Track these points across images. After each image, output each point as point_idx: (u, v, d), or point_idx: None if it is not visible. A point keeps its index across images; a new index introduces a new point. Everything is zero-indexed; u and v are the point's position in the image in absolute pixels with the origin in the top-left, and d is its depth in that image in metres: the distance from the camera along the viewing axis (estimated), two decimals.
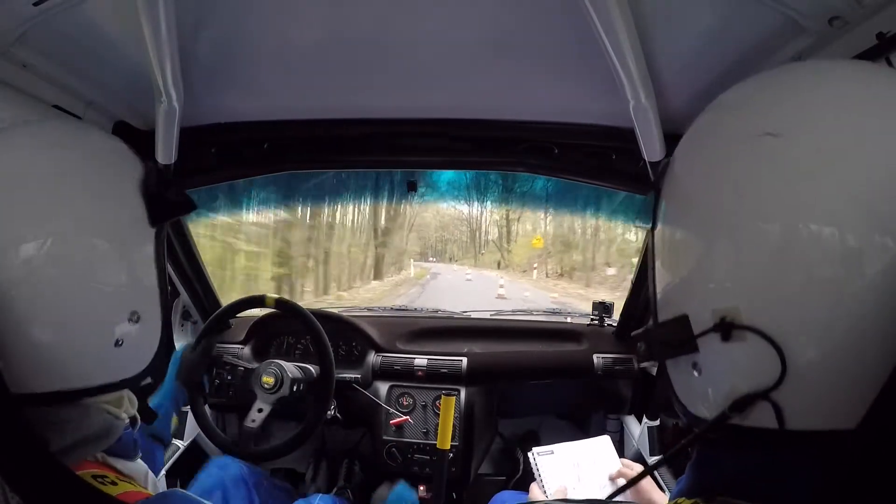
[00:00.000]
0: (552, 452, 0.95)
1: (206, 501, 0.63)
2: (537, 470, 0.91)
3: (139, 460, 0.63)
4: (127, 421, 0.62)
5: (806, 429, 0.38)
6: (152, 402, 1.02)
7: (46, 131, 0.60)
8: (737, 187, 0.40)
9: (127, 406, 0.63)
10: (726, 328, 0.39)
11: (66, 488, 0.48)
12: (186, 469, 1.43)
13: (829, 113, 0.39)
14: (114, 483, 0.54)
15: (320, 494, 1.20)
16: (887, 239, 0.35)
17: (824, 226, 0.36)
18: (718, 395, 0.41)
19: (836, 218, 0.36)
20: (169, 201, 0.63)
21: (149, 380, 0.63)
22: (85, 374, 0.55)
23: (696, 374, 0.44)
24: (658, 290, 0.49)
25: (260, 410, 1.27)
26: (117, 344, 0.56)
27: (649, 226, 0.53)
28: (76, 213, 0.55)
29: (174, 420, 1.04)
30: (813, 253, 0.36)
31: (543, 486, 0.89)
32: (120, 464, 0.59)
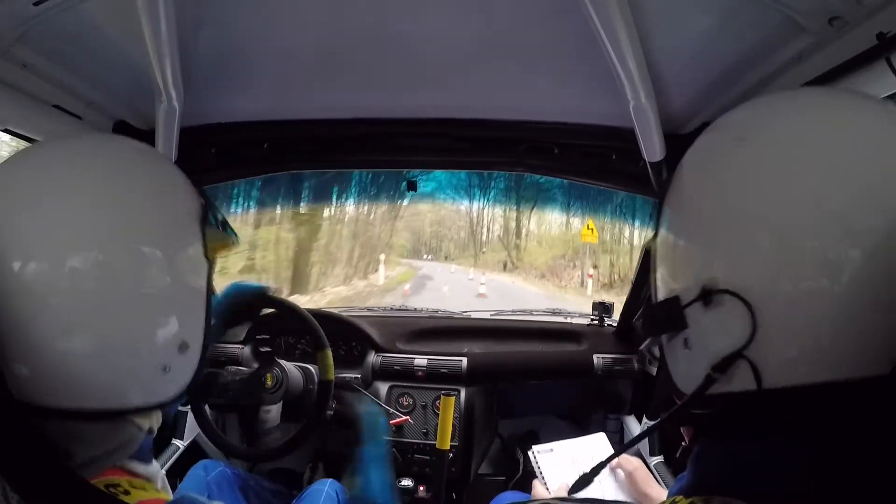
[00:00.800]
0: (552, 450, 0.96)
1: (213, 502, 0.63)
2: (538, 468, 0.92)
3: (154, 462, 0.63)
4: (146, 429, 0.61)
5: (783, 385, 0.41)
6: None
7: (123, 150, 0.60)
8: (716, 183, 0.48)
9: (155, 418, 0.62)
10: (706, 294, 0.45)
11: (80, 500, 0.48)
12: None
13: (786, 124, 0.47)
14: (126, 492, 0.54)
15: (331, 479, 1.20)
16: (840, 213, 0.40)
17: (786, 212, 0.42)
18: (704, 363, 0.45)
19: (795, 206, 0.42)
20: (221, 235, 0.64)
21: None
22: (127, 396, 0.55)
23: (686, 349, 0.48)
24: (657, 281, 0.54)
25: (268, 411, 1.27)
26: (165, 370, 0.57)
27: (652, 225, 0.57)
28: (141, 238, 0.54)
29: None
30: (779, 224, 0.42)
31: (546, 484, 0.90)
32: (140, 467, 0.58)
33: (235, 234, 0.69)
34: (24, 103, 0.87)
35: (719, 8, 0.74)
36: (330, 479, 1.19)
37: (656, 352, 0.57)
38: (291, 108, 1.14)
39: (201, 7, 0.81)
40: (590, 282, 8.42)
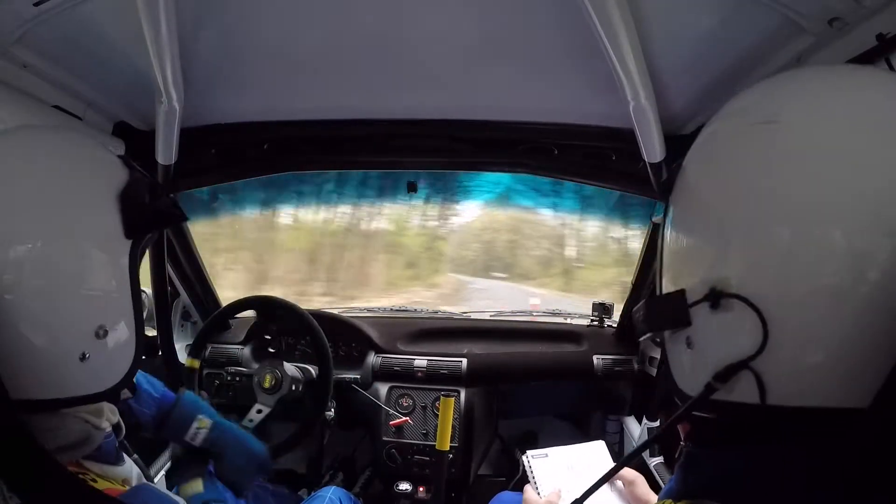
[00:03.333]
0: (546, 455, 0.95)
1: (175, 496, 0.63)
2: (531, 472, 0.91)
3: (126, 464, 0.64)
4: (108, 429, 0.61)
5: (786, 405, 0.39)
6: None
7: (15, 137, 0.59)
8: (736, 171, 0.43)
9: (108, 415, 0.62)
10: (715, 297, 0.41)
11: (59, 482, 0.48)
12: None
13: (824, 103, 0.42)
14: (94, 480, 0.55)
15: (333, 486, 1.20)
16: (877, 214, 0.37)
17: (815, 205, 0.38)
18: (706, 367, 0.42)
19: (827, 199, 0.38)
20: (154, 212, 0.61)
21: (127, 393, 0.62)
22: (52, 386, 0.54)
23: (688, 349, 0.45)
24: (662, 274, 0.51)
25: (259, 411, 1.27)
26: (83, 358, 0.55)
27: (658, 217, 0.54)
28: (35, 221, 0.53)
29: None
30: (802, 228, 0.38)
31: (538, 488, 0.89)
32: (97, 467, 0.58)
33: (180, 213, 0.66)
34: (24, 104, 0.87)
35: (719, 9, 0.74)
36: (333, 487, 1.18)
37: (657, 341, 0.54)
38: (292, 108, 1.14)
39: (201, 8, 0.80)
40: None
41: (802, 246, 0.38)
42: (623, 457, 0.98)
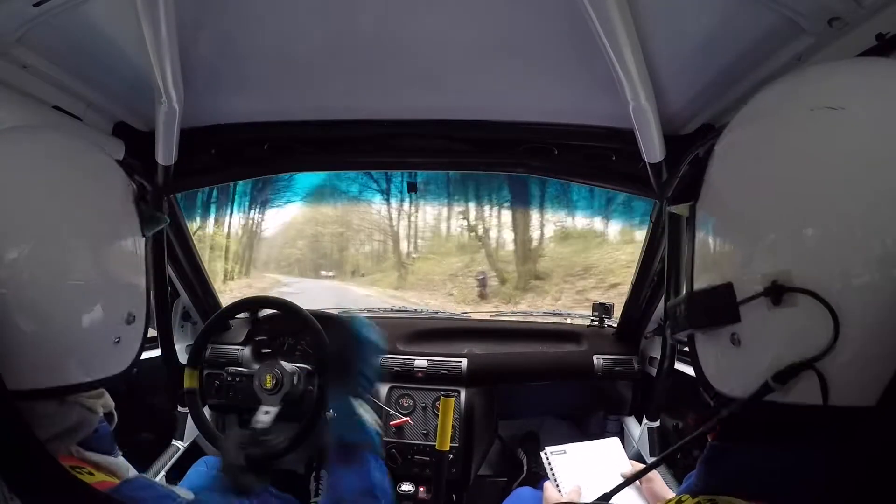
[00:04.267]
0: (565, 452, 0.96)
1: (170, 487, 0.65)
2: (551, 469, 0.92)
3: (121, 457, 0.65)
4: (101, 415, 0.64)
5: (850, 405, 0.36)
6: None
7: (51, 138, 0.65)
8: (795, 160, 0.40)
9: (106, 400, 0.66)
10: (778, 291, 0.38)
11: (53, 476, 0.49)
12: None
13: (888, 90, 0.40)
14: (91, 473, 0.56)
15: None
16: None
17: (886, 193, 0.36)
18: (759, 367, 0.39)
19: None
20: (153, 213, 0.70)
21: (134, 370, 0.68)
22: (85, 370, 0.60)
23: (734, 347, 0.42)
24: (697, 262, 0.48)
25: (267, 412, 1.27)
26: (116, 342, 0.62)
27: (685, 202, 0.51)
28: (79, 220, 0.60)
29: None
30: (874, 215, 0.36)
31: (558, 485, 0.89)
32: (97, 457, 0.60)
33: (166, 215, 0.80)
34: (24, 104, 0.87)
35: (719, 9, 0.74)
36: None
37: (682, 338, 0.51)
38: (291, 109, 1.14)
39: (201, 8, 0.80)
40: None
41: (873, 235, 0.35)
42: (631, 457, 0.98)
